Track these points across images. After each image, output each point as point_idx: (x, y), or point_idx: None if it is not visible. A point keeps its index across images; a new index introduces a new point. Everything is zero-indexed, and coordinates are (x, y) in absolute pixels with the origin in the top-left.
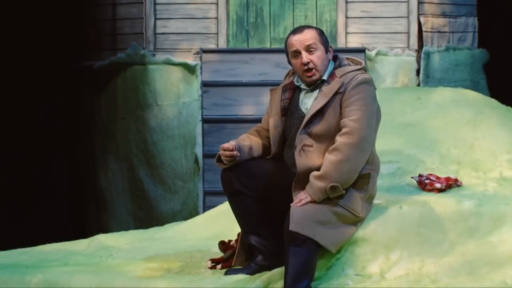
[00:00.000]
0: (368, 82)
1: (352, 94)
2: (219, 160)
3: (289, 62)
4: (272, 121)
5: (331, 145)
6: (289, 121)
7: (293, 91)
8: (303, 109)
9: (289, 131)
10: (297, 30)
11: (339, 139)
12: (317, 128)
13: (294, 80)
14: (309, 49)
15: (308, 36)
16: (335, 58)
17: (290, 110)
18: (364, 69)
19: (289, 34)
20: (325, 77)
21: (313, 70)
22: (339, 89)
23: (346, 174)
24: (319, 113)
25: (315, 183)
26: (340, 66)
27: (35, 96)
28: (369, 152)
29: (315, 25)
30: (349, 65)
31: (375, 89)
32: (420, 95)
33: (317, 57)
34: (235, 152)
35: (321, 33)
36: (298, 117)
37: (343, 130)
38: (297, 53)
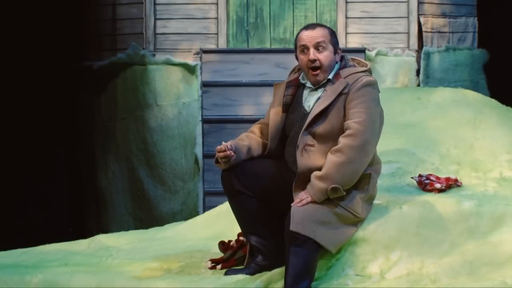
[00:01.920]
0: (373, 85)
1: (356, 96)
2: (218, 161)
3: (297, 57)
4: (273, 115)
5: (333, 145)
6: (291, 118)
7: (296, 88)
8: (306, 107)
9: (290, 128)
10: (309, 26)
11: (343, 141)
12: (320, 128)
13: (299, 78)
14: (318, 46)
15: (319, 34)
16: (341, 58)
17: (292, 107)
18: (370, 71)
19: (301, 30)
20: (330, 77)
21: (319, 70)
22: (343, 89)
23: (348, 176)
24: (323, 113)
25: (316, 183)
26: (345, 66)
27: (35, 96)
28: (372, 155)
29: None
30: (355, 66)
31: (379, 92)
32: (420, 95)
33: (324, 57)
34: (228, 152)
35: (332, 33)
36: (300, 115)
37: (347, 132)
38: (305, 49)
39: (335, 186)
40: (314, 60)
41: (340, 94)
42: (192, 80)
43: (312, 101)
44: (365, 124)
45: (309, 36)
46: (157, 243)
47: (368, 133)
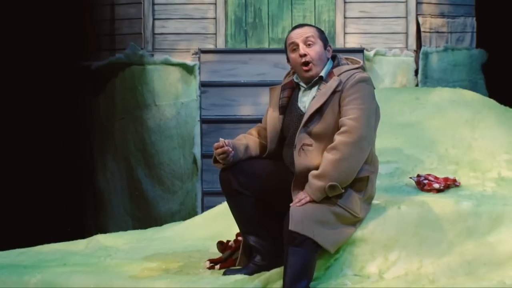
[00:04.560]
0: (366, 81)
1: (350, 93)
2: (216, 161)
3: (288, 60)
4: (270, 118)
5: (330, 144)
6: (288, 120)
7: (292, 90)
8: (301, 107)
9: (287, 129)
10: (297, 26)
11: (338, 138)
12: (316, 127)
13: (293, 78)
14: (307, 42)
15: (307, 30)
16: (333, 58)
17: (288, 109)
18: (363, 68)
19: (289, 32)
20: (323, 76)
21: (310, 64)
22: (337, 87)
23: (345, 173)
24: (318, 112)
25: (314, 182)
26: (338, 65)
27: (33, 96)
28: (368, 151)
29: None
30: (347, 64)
31: (374, 88)
32: (419, 95)
33: (314, 51)
34: (226, 148)
35: (320, 31)
36: (296, 116)
37: (342, 129)
38: (295, 46)
39: (332, 184)
40: (305, 55)
41: (334, 92)
42: (190, 80)
43: (307, 101)
44: (359, 120)
45: (297, 33)
46: (155, 243)
47: (363, 129)
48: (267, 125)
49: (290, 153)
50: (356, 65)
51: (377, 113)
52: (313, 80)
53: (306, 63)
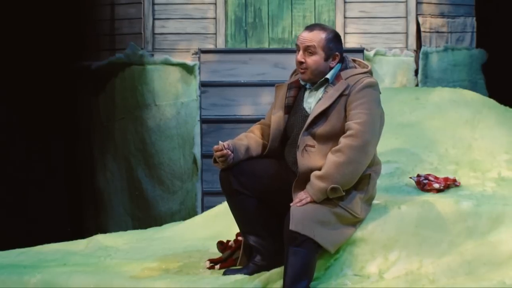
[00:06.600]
0: (373, 86)
1: (357, 97)
2: (216, 161)
3: None
4: (274, 117)
5: (333, 146)
6: (292, 119)
7: (298, 89)
8: (306, 108)
9: (291, 129)
10: (308, 27)
11: (343, 141)
12: (321, 129)
13: (299, 79)
14: (307, 50)
15: (313, 38)
16: (342, 60)
17: (293, 108)
18: (370, 73)
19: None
20: (330, 78)
21: (305, 70)
22: (344, 91)
23: (348, 176)
24: (323, 115)
25: (316, 183)
26: (346, 68)
27: (33, 96)
28: (372, 156)
29: None
30: (355, 67)
31: (380, 93)
32: (419, 95)
33: (312, 61)
34: (225, 151)
35: (330, 39)
36: (301, 116)
37: (348, 132)
38: (298, 48)
39: (334, 186)
40: (301, 62)
41: (341, 95)
42: (190, 80)
43: (313, 102)
44: (365, 125)
45: (303, 38)
46: (155, 243)
47: (369, 134)
48: (271, 123)
49: (293, 153)
50: (364, 70)
51: (381, 118)
52: (309, 82)
53: (302, 68)
